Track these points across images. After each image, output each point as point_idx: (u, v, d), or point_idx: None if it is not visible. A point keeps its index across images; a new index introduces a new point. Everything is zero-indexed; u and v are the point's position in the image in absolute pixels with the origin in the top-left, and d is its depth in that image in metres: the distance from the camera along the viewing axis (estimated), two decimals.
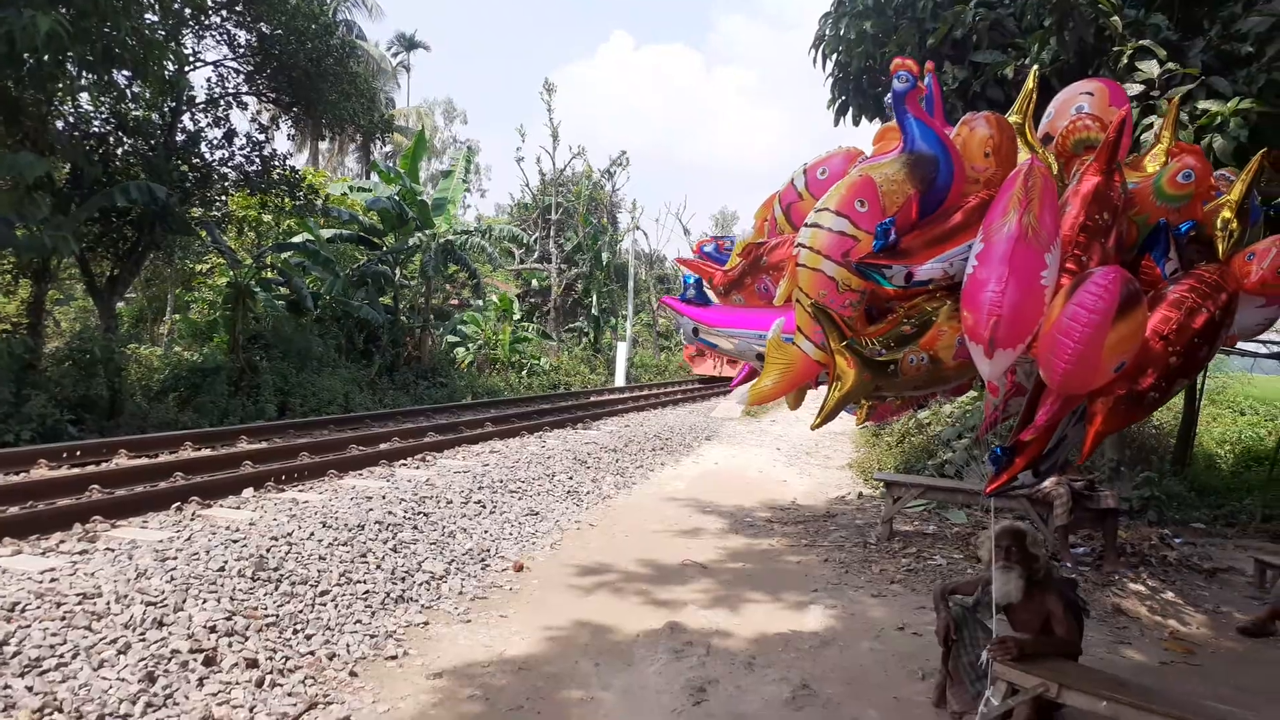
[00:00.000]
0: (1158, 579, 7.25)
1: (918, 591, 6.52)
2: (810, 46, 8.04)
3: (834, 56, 7.84)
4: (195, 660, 4.40)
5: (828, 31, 7.90)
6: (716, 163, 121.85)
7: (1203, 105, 5.41)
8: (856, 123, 8.01)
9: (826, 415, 3.28)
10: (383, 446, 10.65)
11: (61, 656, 4.19)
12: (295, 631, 5.01)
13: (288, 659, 4.69)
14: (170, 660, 4.35)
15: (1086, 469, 8.61)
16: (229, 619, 4.92)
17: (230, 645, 4.64)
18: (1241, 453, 14.21)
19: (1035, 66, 4.06)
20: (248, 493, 7.76)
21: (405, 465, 9.74)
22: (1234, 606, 6.69)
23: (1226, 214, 3.33)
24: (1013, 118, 3.55)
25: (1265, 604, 6.33)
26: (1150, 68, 5.68)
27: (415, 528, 7.14)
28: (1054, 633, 4.03)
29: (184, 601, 5.00)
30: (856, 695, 4.66)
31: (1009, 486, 3.29)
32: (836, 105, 8.08)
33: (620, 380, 27.87)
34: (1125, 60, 5.82)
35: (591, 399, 20.32)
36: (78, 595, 4.80)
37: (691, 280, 4.25)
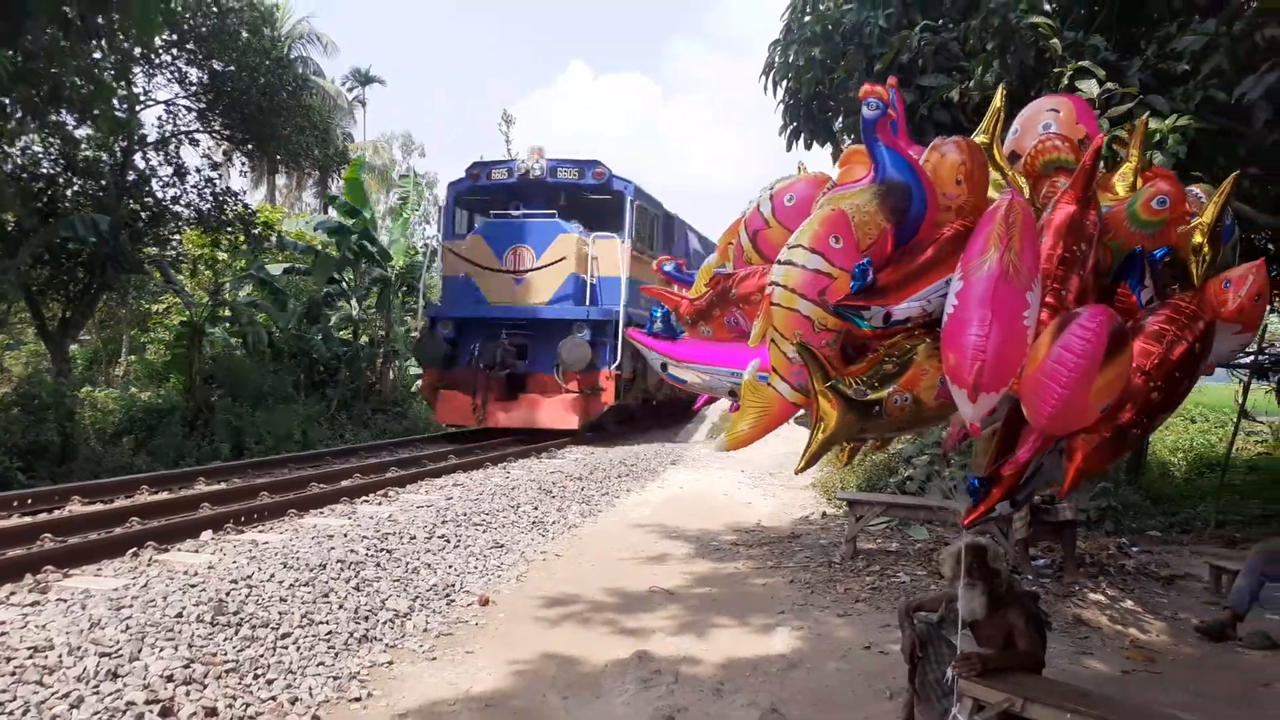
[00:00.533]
0: (1117, 588, 7.35)
1: (883, 609, 6.55)
2: (761, 73, 8.14)
3: (784, 83, 7.94)
4: (152, 712, 4.28)
5: (777, 59, 8.00)
6: (682, 187, 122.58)
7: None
8: (809, 147, 8.10)
9: (810, 458, 3.20)
10: (343, 483, 10.50)
11: (11, 714, 4.07)
12: (256, 676, 4.91)
13: (248, 705, 4.60)
14: (125, 713, 4.24)
15: (1045, 481, 8.70)
16: (187, 667, 4.80)
17: (189, 694, 4.54)
18: (1194, 460, 14.51)
19: (1002, 86, 4.02)
20: (206, 535, 7.60)
21: (367, 502, 9.61)
22: (1191, 612, 6.79)
23: (1198, 238, 3.31)
24: (979, 138, 3.50)
25: (1224, 608, 6.43)
26: (1090, 87, 5.81)
27: (378, 565, 7.05)
28: (1017, 646, 4.06)
29: (140, 651, 4.87)
30: (825, 717, 4.66)
31: (986, 518, 3.24)
32: (789, 131, 8.18)
33: None
34: (1066, 81, 5.95)
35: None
36: (28, 649, 4.67)
37: (659, 313, 4.13)
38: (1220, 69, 5.55)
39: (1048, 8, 6.21)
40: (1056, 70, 6.01)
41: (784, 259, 3.11)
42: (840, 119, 7.81)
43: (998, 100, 3.58)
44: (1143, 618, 6.66)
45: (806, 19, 7.71)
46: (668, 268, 4.40)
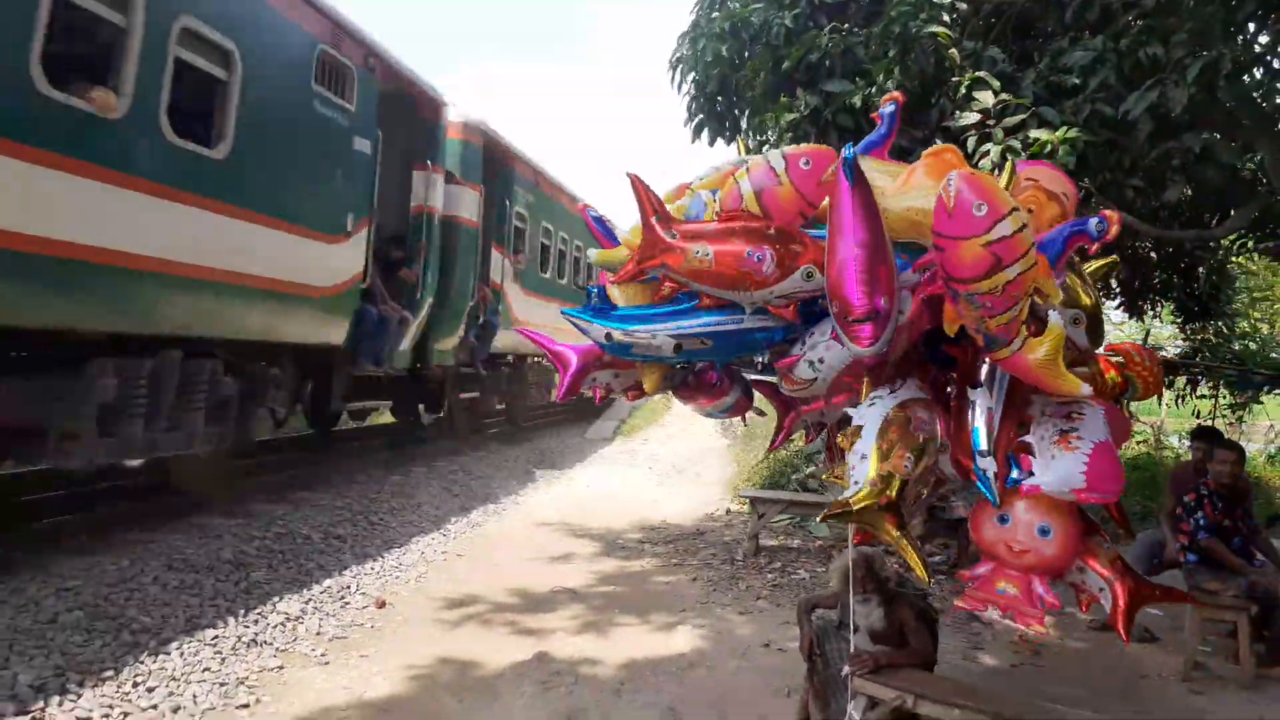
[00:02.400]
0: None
1: (783, 606, 6.62)
2: (669, 64, 8.15)
3: (691, 76, 7.97)
4: None
5: (685, 51, 8.02)
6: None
7: (1034, 134, 5.74)
8: (712, 143, 8.15)
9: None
10: (236, 482, 10.11)
11: None
12: (135, 685, 4.68)
13: (127, 714, 4.39)
14: None
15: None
16: (59, 675, 4.56)
17: (61, 705, 4.31)
18: None
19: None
20: (85, 537, 7.22)
21: (261, 501, 9.27)
22: (1078, 607, 7.02)
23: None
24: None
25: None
26: (986, 98, 5.99)
27: (270, 566, 6.81)
28: (909, 644, 4.14)
29: (7, 660, 4.61)
30: (723, 716, 4.68)
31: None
32: (694, 123, 8.22)
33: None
34: (964, 90, 6.12)
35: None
36: None
37: (595, 290, 4.02)
38: (1107, 84, 5.77)
39: (947, 18, 6.36)
40: (955, 79, 6.17)
41: (767, 154, 3.49)
42: (745, 117, 7.88)
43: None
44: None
45: (715, 14, 7.75)
46: (593, 214, 4.30)
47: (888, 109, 3.88)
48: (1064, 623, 6.66)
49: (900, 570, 5.18)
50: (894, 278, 2.96)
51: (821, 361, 3.41)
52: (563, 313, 3.82)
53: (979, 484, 3.22)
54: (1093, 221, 3.03)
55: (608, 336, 3.57)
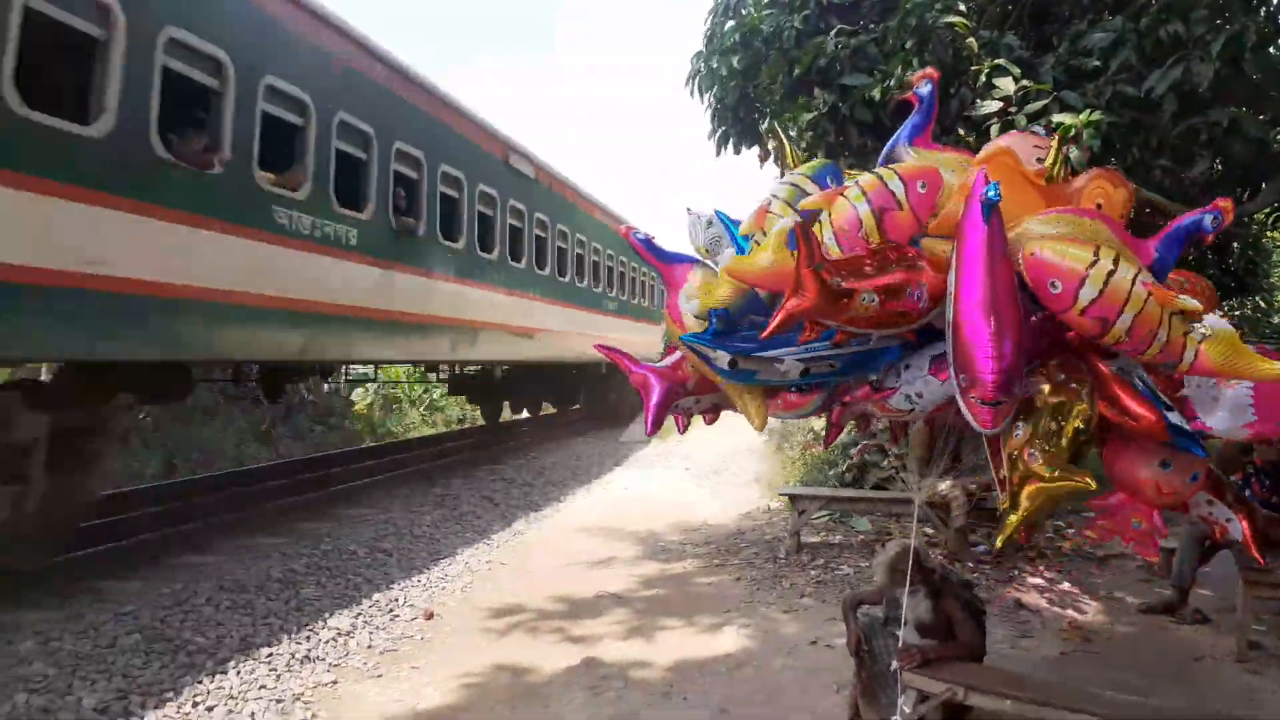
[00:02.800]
0: (1054, 570, 7.54)
1: (828, 603, 6.63)
2: (686, 81, 8.23)
3: (711, 90, 8.04)
4: None
5: (701, 68, 8.10)
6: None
7: (1057, 119, 5.71)
8: (738, 151, 8.22)
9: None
10: (281, 501, 10.29)
11: None
12: (195, 704, 4.79)
13: None
14: None
15: (981, 469, 8.91)
16: (121, 698, 4.69)
17: None
18: None
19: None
20: (140, 561, 7.39)
21: (306, 519, 9.43)
22: (1126, 591, 7.00)
23: None
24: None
25: (1170, 585, 6.52)
26: (1006, 85, 5.97)
27: (318, 583, 6.94)
28: (957, 636, 4.14)
29: (70, 685, 4.75)
30: (774, 714, 4.70)
31: None
32: (717, 136, 8.28)
33: (525, 411, 27.56)
34: (983, 79, 6.11)
35: (498, 432, 20.02)
36: None
37: (717, 313, 3.48)
38: (1129, 64, 5.73)
39: (963, 8, 6.35)
40: (974, 68, 6.16)
41: (875, 173, 3.17)
42: (765, 122, 7.92)
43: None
44: (1080, 598, 6.84)
45: (728, 26, 7.80)
46: (639, 236, 3.86)
47: (924, 89, 3.70)
48: (1113, 608, 6.61)
49: (944, 563, 5.19)
50: (1023, 348, 2.76)
51: (920, 396, 3.25)
52: (681, 339, 3.49)
53: (1176, 439, 3.03)
54: (1208, 217, 2.99)
55: (732, 364, 3.37)
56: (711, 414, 4.11)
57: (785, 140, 4.06)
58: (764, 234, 3.39)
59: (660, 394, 3.78)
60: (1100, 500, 3.52)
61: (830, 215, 3.25)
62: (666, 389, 3.81)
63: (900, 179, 3.24)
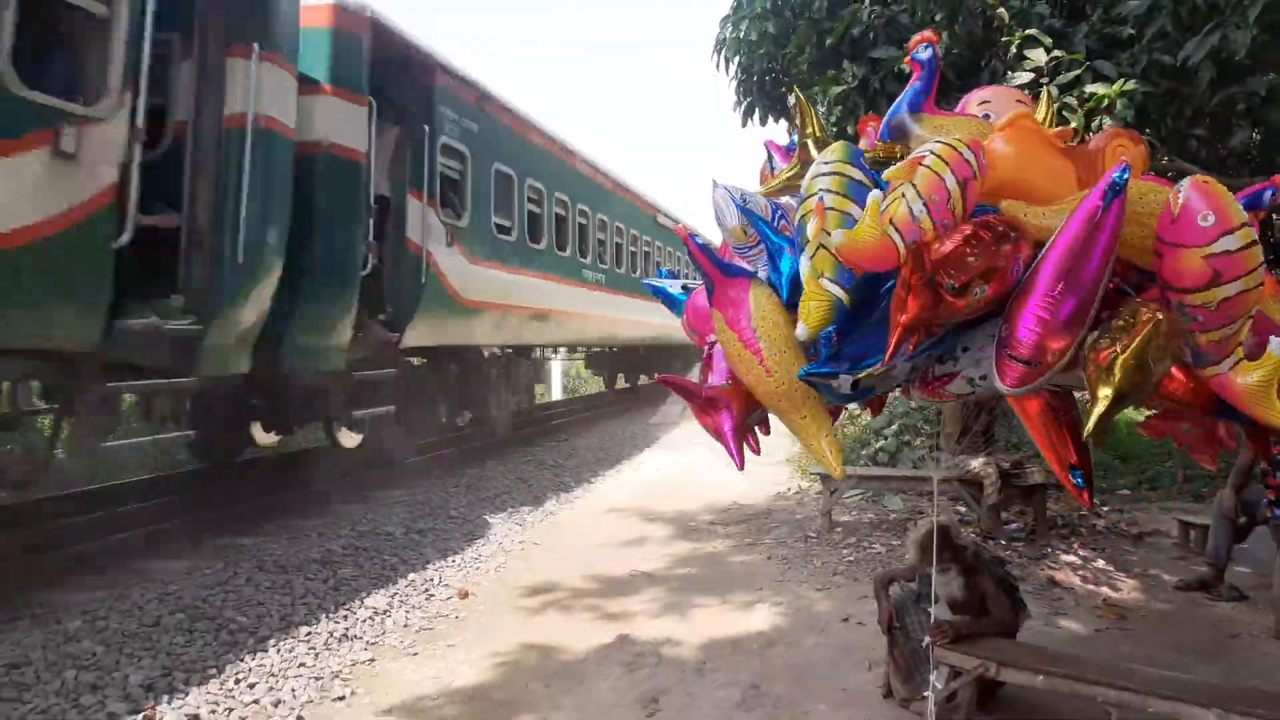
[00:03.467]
0: (1089, 548, 7.48)
1: (860, 581, 6.63)
2: (712, 51, 8.15)
3: (736, 59, 7.96)
4: None
5: (728, 34, 8.01)
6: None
7: (1090, 89, 5.61)
8: (764, 123, 8.14)
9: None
10: (313, 485, 10.41)
11: None
12: (238, 681, 4.90)
13: (231, 710, 4.58)
14: None
15: (1014, 446, 8.85)
16: (166, 675, 4.81)
17: (170, 703, 4.53)
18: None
19: None
20: (182, 543, 7.53)
21: (342, 501, 9.56)
22: (1161, 569, 6.94)
23: None
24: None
25: (1207, 564, 6.47)
26: (1038, 55, 5.88)
27: (355, 563, 7.04)
28: (989, 613, 4.14)
29: (117, 662, 4.87)
30: (805, 691, 4.71)
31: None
32: (743, 107, 8.20)
33: (557, 393, 27.77)
34: (1014, 50, 6.01)
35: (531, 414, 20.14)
36: (4, 666, 4.65)
37: (827, 333, 3.17)
38: (1164, 32, 5.62)
39: None
40: (1005, 39, 6.06)
41: (946, 140, 2.96)
42: (793, 93, 7.84)
43: None
44: (1115, 576, 6.79)
45: None
46: (698, 242, 3.45)
47: (922, 53, 3.47)
48: (1148, 585, 6.56)
49: (977, 539, 5.17)
50: (1082, 322, 2.69)
51: (984, 379, 3.07)
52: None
53: None
54: (1267, 193, 2.92)
55: (855, 385, 3.13)
56: (764, 425, 3.89)
57: (811, 108, 3.89)
58: (825, 231, 3.09)
59: (736, 419, 3.54)
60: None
61: (918, 185, 2.97)
62: (741, 410, 3.58)
63: (970, 149, 3.02)
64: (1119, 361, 2.67)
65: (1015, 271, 2.78)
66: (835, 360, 3.08)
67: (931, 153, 3.04)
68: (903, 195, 2.92)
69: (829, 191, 3.23)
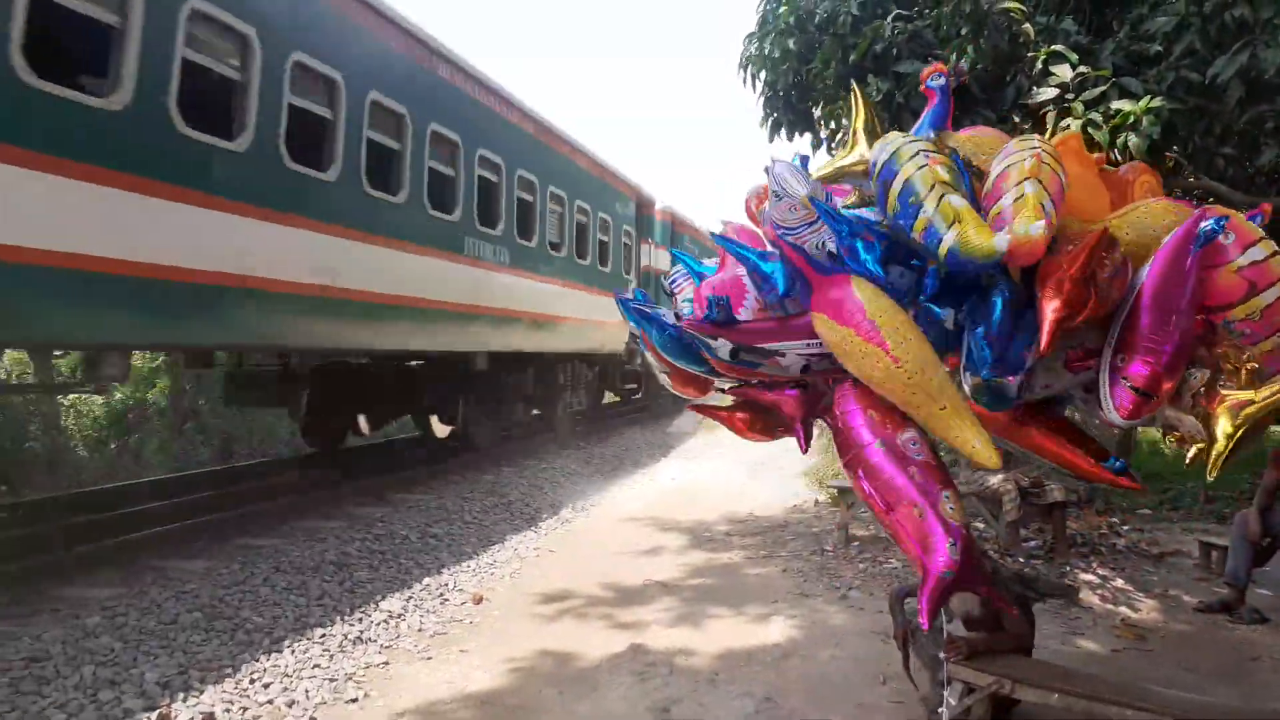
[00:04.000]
0: (1108, 567, 7.41)
1: (875, 596, 6.59)
2: (738, 66, 8.17)
3: (762, 75, 7.97)
4: (149, 719, 4.31)
5: (753, 50, 8.03)
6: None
7: (1116, 105, 5.59)
8: (790, 138, 8.16)
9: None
10: (334, 488, 10.47)
11: None
12: (252, 681, 4.93)
13: (245, 709, 4.62)
14: None
15: (1033, 464, 8.78)
16: (182, 673, 4.84)
17: (185, 700, 4.57)
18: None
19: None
20: (200, 542, 7.60)
21: (360, 504, 9.61)
22: (1182, 589, 6.86)
23: None
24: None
25: (1227, 584, 6.37)
26: (1063, 71, 5.86)
27: (371, 566, 7.07)
28: (1004, 629, 4.11)
29: (135, 659, 4.91)
30: (819, 705, 4.70)
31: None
32: (770, 123, 8.22)
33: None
34: (1040, 65, 6.00)
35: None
36: (24, 660, 4.70)
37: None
38: (1192, 49, 5.59)
39: None
40: (1030, 55, 6.05)
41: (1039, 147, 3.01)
42: (819, 108, 7.85)
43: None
44: (1134, 596, 6.72)
45: (781, 9, 7.74)
46: (790, 240, 3.40)
47: (935, 82, 3.63)
48: (1168, 606, 6.49)
49: (994, 555, 5.13)
50: (1185, 355, 2.76)
51: (1048, 388, 3.18)
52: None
53: None
54: (1255, 219, 2.96)
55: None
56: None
57: (868, 101, 3.91)
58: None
59: (800, 421, 3.81)
60: None
61: (1043, 180, 2.94)
62: (806, 413, 3.85)
63: (1055, 159, 3.04)
64: (1246, 413, 2.82)
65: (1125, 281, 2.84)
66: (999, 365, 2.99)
67: (1043, 150, 3.02)
68: (1032, 189, 2.88)
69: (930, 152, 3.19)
